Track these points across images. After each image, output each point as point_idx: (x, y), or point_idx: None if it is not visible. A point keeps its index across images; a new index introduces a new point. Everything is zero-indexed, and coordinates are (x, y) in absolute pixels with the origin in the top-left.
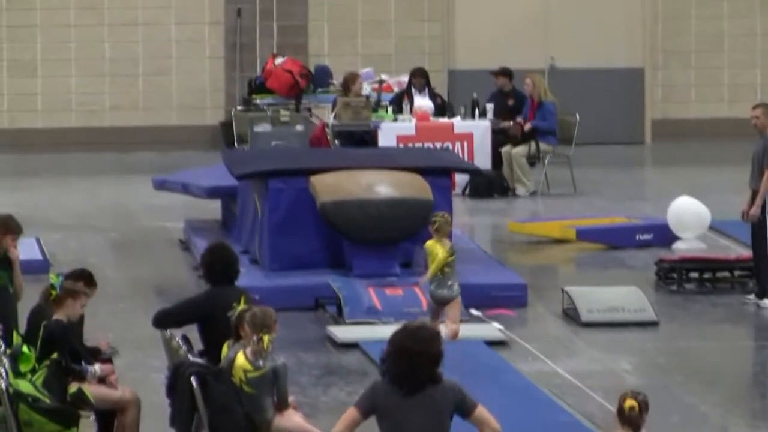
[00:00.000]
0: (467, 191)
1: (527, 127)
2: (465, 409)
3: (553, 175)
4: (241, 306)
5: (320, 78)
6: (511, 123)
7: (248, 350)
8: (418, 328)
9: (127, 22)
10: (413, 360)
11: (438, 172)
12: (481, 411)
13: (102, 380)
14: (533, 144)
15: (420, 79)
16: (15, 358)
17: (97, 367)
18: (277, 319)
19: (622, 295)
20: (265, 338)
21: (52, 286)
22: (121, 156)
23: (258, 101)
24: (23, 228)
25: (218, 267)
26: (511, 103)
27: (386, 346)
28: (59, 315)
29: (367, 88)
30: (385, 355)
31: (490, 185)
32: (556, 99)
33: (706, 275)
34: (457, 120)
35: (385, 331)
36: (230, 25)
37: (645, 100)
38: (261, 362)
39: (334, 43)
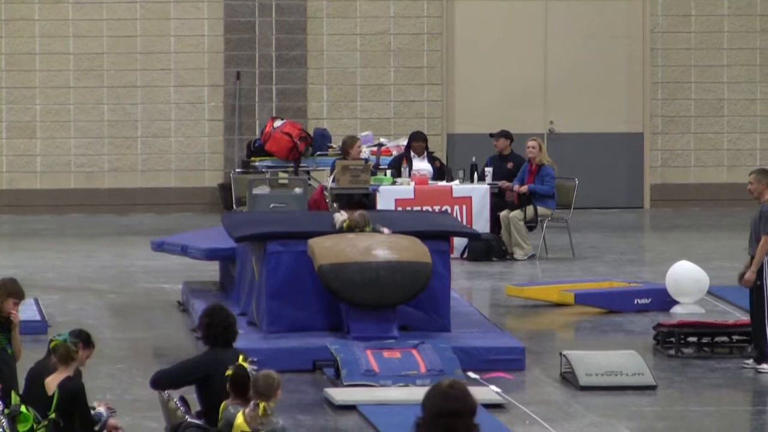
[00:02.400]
0: (465, 255)
1: (522, 189)
2: None
3: (551, 240)
4: (240, 363)
5: (319, 141)
6: (507, 184)
7: (246, 412)
8: (450, 387)
9: (126, 85)
10: (454, 419)
11: (436, 236)
12: None
13: None
14: (531, 208)
15: (420, 143)
16: (13, 418)
17: (103, 409)
18: (280, 385)
19: (621, 360)
20: (261, 405)
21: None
22: (119, 218)
23: (257, 164)
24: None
25: (217, 329)
26: (510, 166)
27: (421, 412)
28: (68, 372)
29: (365, 152)
30: (422, 422)
31: (488, 249)
32: (555, 163)
33: (705, 340)
34: (455, 184)
35: (383, 393)
36: (229, 88)
37: (644, 165)
38: (258, 425)
39: (333, 106)
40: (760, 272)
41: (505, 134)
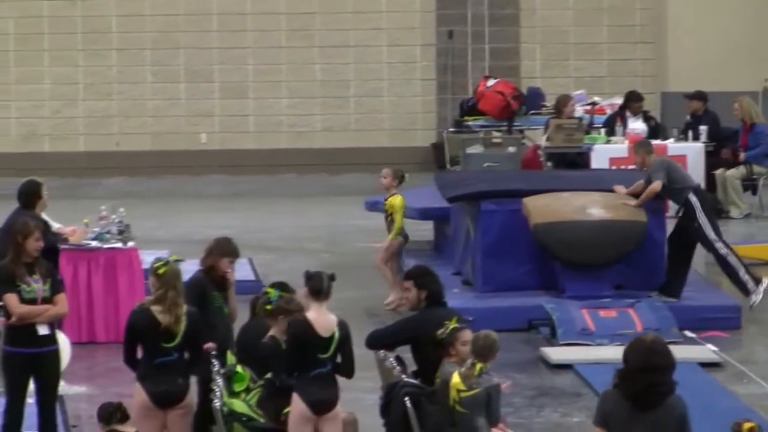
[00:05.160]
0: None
1: (741, 157)
2: None
3: (767, 198)
4: (453, 324)
5: (532, 100)
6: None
7: (462, 371)
8: (654, 342)
9: (338, 44)
10: (656, 375)
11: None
12: None
13: None
14: (747, 166)
15: (638, 103)
16: (229, 377)
17: None
18: (500, 347)
19: None
20: (477, 366)
21: (269, 301)
22: (331, 177)
23: (470, 123)
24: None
25: (430, 288)
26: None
27: (623, 364)
28: (274, 331)
29: (579, 111)
30: (623, 374)
31: None
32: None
33: None
34: (670, 142)
35: (599, 352)
36: (442, 47)
37: None
38: (473, 383)
39: (546, 65)
40: (693, 214)
41: (699, 95)
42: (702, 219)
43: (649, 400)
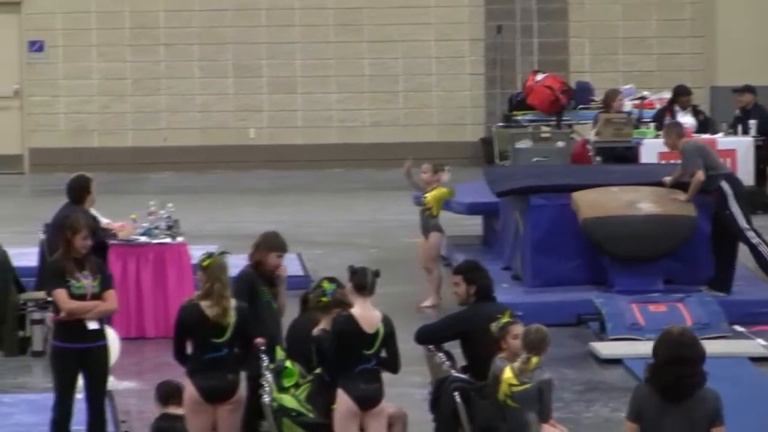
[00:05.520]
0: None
1: None
2: (711, 424)
3: None
4: (506, 318)
5: (581, 95)
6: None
7: (515, 365)
8: (681, 334)
9: (386, 39)
10: (685, 367)
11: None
12: None
13: None
14: None
15: (687, 97)
16: (278, 372)
17: None
18: (551, 341)
19: None
20: (533, 360)
21: (324, 294)
22: (379, 172)
23: (519, 118)
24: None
25: (479, 283)
26: (754, 122)
27: (653, 358)
28: (324, 324)
29: (628, 105)
30: (653, 368)
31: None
32: None
33: None
34: (719, 136)
35: (648, 347)
36: (490, 42)
37: None
38: (526, 378)
39: (594, 60)
40: (725, 202)
41: (749, 89)
42: (734, 207)
43: (679, 393)
